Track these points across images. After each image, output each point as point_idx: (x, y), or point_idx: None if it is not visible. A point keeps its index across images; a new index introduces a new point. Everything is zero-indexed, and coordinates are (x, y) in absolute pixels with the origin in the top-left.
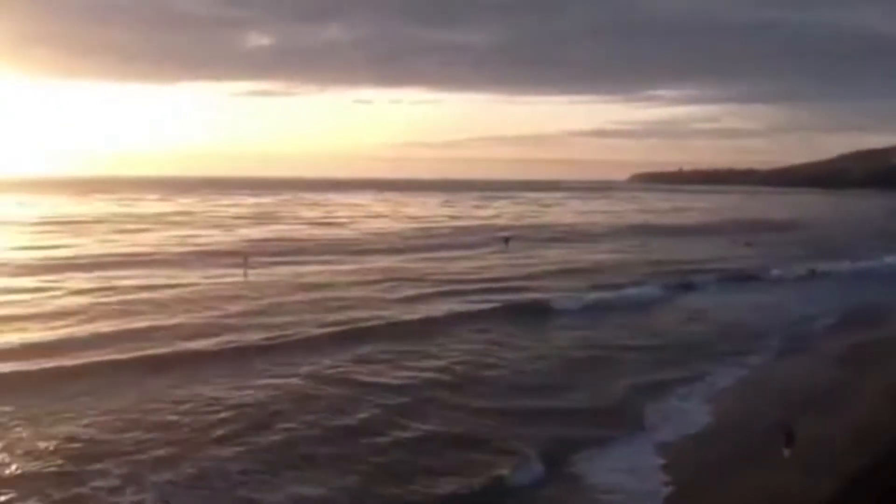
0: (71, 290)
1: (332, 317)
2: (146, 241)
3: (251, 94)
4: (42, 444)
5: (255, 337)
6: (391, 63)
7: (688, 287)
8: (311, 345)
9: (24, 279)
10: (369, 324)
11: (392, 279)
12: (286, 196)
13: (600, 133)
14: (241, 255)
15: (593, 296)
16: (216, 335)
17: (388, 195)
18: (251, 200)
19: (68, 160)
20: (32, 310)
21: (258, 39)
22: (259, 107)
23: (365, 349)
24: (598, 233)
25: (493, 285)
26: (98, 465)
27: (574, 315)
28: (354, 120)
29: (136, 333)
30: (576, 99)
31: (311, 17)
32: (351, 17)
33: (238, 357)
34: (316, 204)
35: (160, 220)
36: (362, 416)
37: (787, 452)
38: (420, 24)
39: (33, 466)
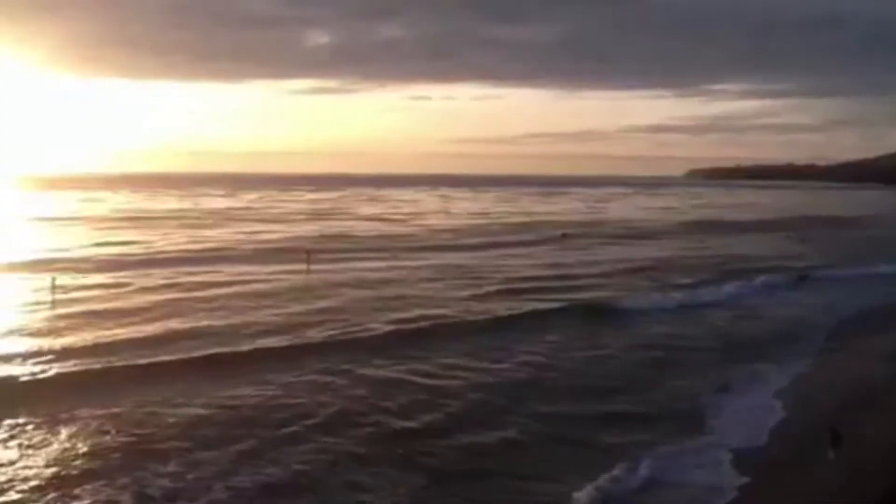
0: (143, 287)
1: (396, 315)
2: (213, 237)
3: (311, 91)
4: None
5: (323, 334)
6: (448, 59)
7: (750, 286)
8: (380, 343)
9: (98, 276)
10: (436, 322)
11: (454, 276)
12: (345, 192)
13: (656, 128)
14: (304, 252)
15: (658, 295)
16: (286, 332)
17: (446, 191)
18: (311, 196)
19: (139, 157)
20: (107, 305)
21: (318, 38)
22: (318, 104)
23: (434, 349)
24: (658, 229)
25: (556, 283)
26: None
27: (640, 315)
28: (411, 116)
29: (206, 330)
30: (632, 94)
31: (370, 14)
32: (409, 15)
33: (307, 354)
34: (374, 200)
35: (225, 215)
36: (437, 416)
37: (832, 454)
38: (477, 21)
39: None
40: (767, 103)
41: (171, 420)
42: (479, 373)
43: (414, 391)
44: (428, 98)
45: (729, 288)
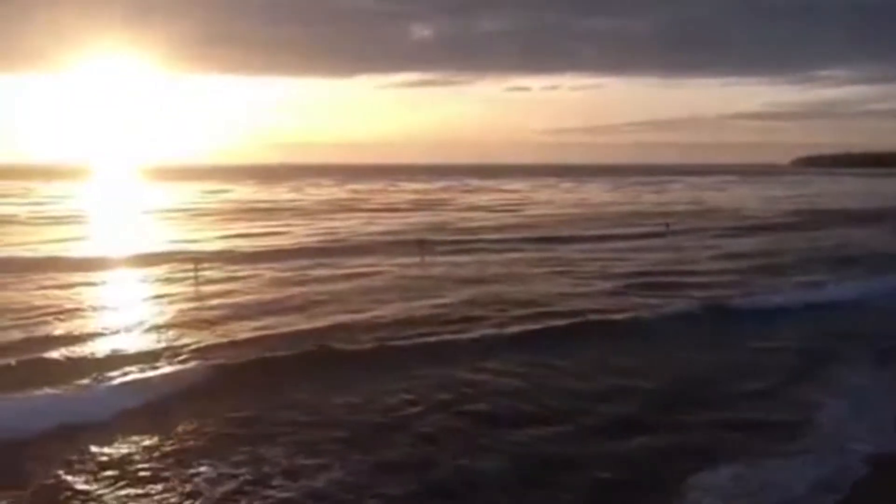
0: (280, 278)
1: (518, 311)
2: (328, 228)
3: (413, 84)
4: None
5: (452, 335)
6: (547, 50)
7: (884, 282)
8: (511, 343)
9: (233, 266)
10: (570, 321)
11: (573, 270)
12: (449, 182)
13: (761, 116)
14: (419, 244)
15: (781, 294)
16: (420, 326)
17: (548, 181)
18: (414, 186)
19: (248, 150)
20: (257, 297)
21: (421, 31)
22: (420, 97)
23: (590, 347)
24: (768, 219)
25: (673, 279)
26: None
27: (766, 315)
28: (511, 107)
29: (370, 322)
30: (736, 81)
31: (471, 7)
32: (508, 7)
33: (442, 352)
34: (478, 190)
35: (336, 205)
36: (588, 422)
37: None
38: (576, 12)
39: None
40: (876, 89)
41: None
42: (616, 376)
43: (562, 396)
44: (527, 89)
45: (858, 285)
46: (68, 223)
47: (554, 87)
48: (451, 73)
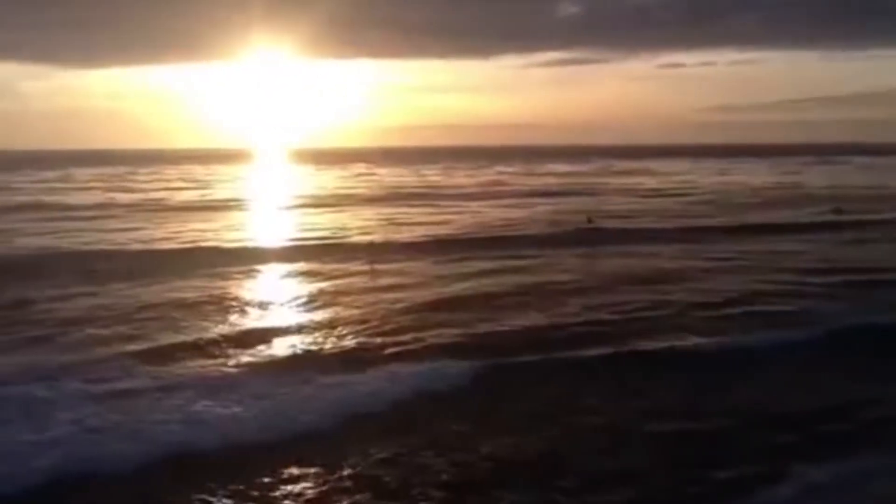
0: (454, 272)
1: (726, 310)
2: (482, 214)
3: (560, 63)
4: None
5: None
6: (703, 24)
7: None
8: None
9: (399, 256)
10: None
11: (760, 265)
12: (598, 164)
13: None
14: (585, 231)
15: None
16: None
17: (706, 162)
18: (565, 169)
19: (393, 132)
20: (437, 291)
21: (568, 8)
22: (567, 76)
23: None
24: None
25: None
26: None
27: None
28: (664, 84)
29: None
30: None
31: None
32: None
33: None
34: (632, 172)
35: (488, 189)
36: None
37: None
38: None
39: None
40: None
41: None
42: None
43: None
44: (681, 65)
45: None
46: (237, 209)
47: (709, 63)
48: (600, 51)
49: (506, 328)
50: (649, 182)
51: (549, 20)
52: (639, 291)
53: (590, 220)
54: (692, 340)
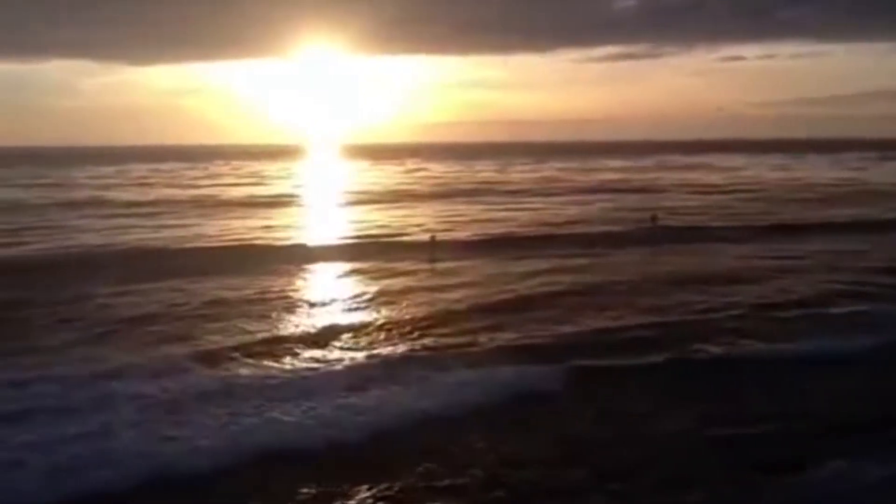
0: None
1: (794, 312)
2: (539, 211)
3: (616, 57)
4: None
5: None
6: (764, 16)
7: None
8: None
9: (460, 253)
10: None
11: (829, 263)
12: (657, 160)
13: None
14: (650, 231)
15: None
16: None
17: (770, 158)
18: (622, 164)
19: (444, 128)
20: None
21: (624, 1)
22: (623, 70)
23: None
24: None
25: None
26: None
27: None
28: (723, 78)
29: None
30: None
31: None
32: None
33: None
34: (694, 167)
35: (542, 186)
36: None
37: None
38: None
39: None
40: None
41: None
42: None
43: None
44: (741, 58)
45: None
46: (295, 205)
47: (771, 56)
48: (657, 45)
49: (583, 328)
50: (710, 178)
51: (605, 14)
52: (707, 292)
53: (654, 219)
54: (763, 346)
